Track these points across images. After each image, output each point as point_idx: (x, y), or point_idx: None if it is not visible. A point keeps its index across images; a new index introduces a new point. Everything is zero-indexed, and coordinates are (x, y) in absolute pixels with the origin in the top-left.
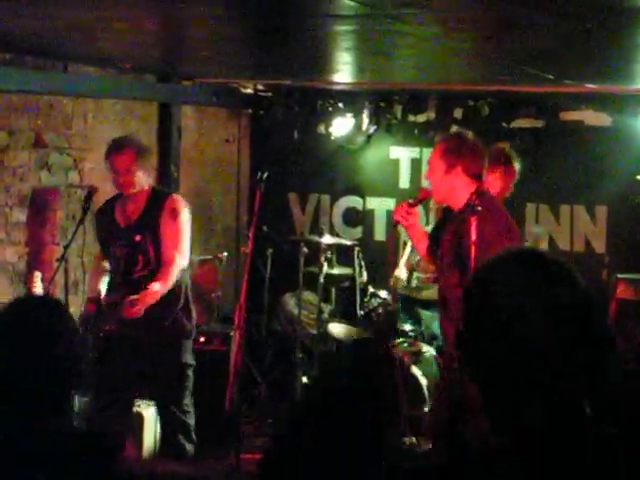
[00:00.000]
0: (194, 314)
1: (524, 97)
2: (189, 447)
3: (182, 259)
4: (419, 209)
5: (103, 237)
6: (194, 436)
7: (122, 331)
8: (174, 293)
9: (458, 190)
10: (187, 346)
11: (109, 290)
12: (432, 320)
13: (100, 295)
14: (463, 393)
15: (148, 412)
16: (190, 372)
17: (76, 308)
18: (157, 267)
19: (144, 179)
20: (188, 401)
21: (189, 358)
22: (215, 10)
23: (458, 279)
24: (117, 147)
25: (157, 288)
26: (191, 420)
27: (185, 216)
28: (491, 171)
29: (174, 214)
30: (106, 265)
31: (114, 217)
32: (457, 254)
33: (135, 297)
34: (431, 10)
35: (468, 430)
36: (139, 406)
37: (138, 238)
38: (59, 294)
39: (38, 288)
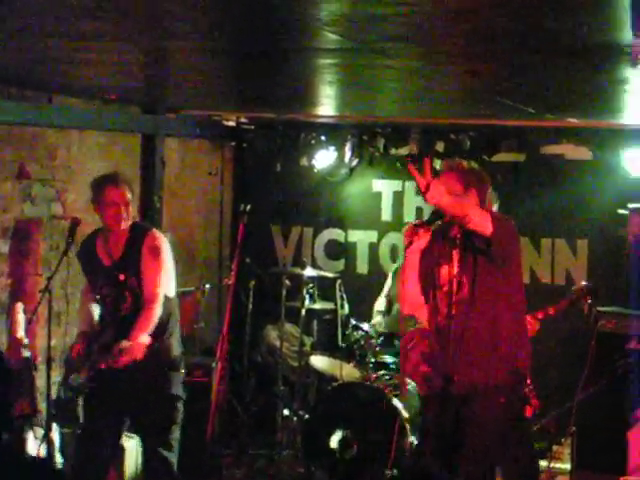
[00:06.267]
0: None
1: (505, 131)
2: None
3: (164, 295)
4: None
5: (88, 273)
6: (176, 471)
7: (111, 370)
8: (161, 325)
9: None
10: (176, 378)
11: (100, 328)
12: None
13: (90, 329)
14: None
15: (130, 444)
16: (180, 405)
17: (58, 339)
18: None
19: (131, 214)
20: (175, 436)
21: (178, 391)
22: (199, 43)
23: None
24: (113, 179)
25: (145, 340)
26: (174, 457)
27: (166, 252)
28: None
29: (155, 252)
30: (93, 301)
31: (97, 255)
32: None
33: (125, 346)
34: (414, 44)
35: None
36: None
37: (122, 277)
38: (42, 325)
39: (21, 319)
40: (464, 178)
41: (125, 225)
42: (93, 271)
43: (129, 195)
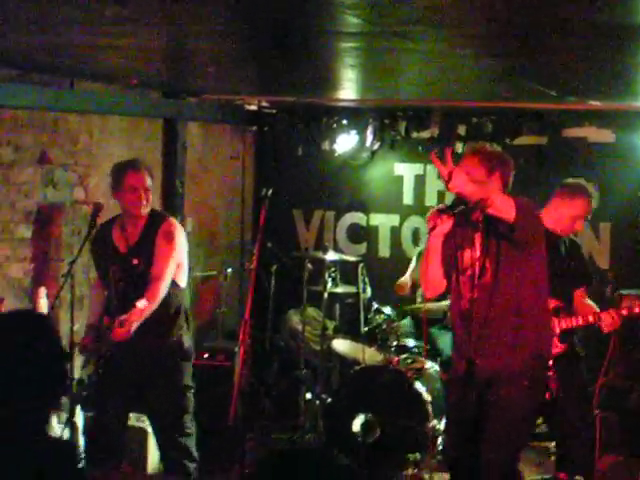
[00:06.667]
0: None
1: (527, 114)
2: (191, 466)
3: (171, 279)
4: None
5: (101, 261)
6: (195, 454)
7: (122, 354)
8: (172, 315)
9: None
10: (187, 368)
11: (108, 313)
12: (438, 336)
13: (99, 320)
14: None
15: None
16: (190, 394)
17: (81, 323)
18: None
19: (151, 200)
20: (189, 423)
21: (189, 380)
22: (220, 27)
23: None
24: (134, 165)
25: (143, 305)
26: (192, 440)
27: (179, 239)
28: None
29: (168, 237)
30: (104, 290)
31: (112, 241)
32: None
33: (123, 317)
34: (436, 27)
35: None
36: (143, 421)
37: (136, 261)
38: (65, 310)
39: (43, 304)
40: (488, 162)
41: (145, 211)
42: (107, 258)
43: (149, 180)
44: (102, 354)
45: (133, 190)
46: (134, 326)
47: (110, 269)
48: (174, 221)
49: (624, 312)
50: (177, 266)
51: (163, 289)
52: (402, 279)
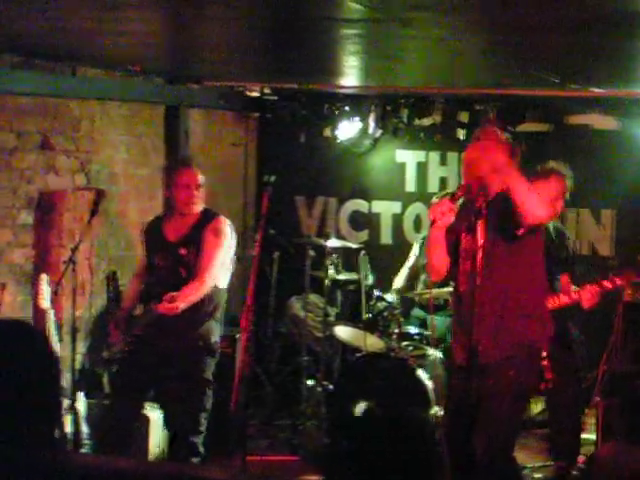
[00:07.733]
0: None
1: (530, 101)
2: (196, 461)
3: (217, 272)
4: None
5: (149, 250)
6: (202, 450)
7: (151, 338)
8: (206, 309)
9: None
10: (210, 364)
11: (146, 300)
12: (440, 323)
13: (133, 304)
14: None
15: (154, 415)
16: (210, 392)
17: (83, 310)
18: None
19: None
20: (202, 420)
21: (210, 376)
22: (223, 12)
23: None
24: (187, 162)
25: (197, 281)
26: (201, 438)
27: (228, 238)
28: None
29: (217, 232)
30: (143, 279)
31: (162, 231)
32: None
33: (174, 294)
34: (438, 13)
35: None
36: (146, 409)
37: (183, 252)
38: (67, 296)
39: (45, 290)
40: (507, 149)
41: (196, 209)
42: (154, 245)
43: (201, 178)
44: (135, 332)
45: (186, 188)
46: (182, 305)
47: (155, 256)
48: (225, 220)
49: (607, 284)
50: (221, 264)
51: (210, 279)
52: (396, 283)
